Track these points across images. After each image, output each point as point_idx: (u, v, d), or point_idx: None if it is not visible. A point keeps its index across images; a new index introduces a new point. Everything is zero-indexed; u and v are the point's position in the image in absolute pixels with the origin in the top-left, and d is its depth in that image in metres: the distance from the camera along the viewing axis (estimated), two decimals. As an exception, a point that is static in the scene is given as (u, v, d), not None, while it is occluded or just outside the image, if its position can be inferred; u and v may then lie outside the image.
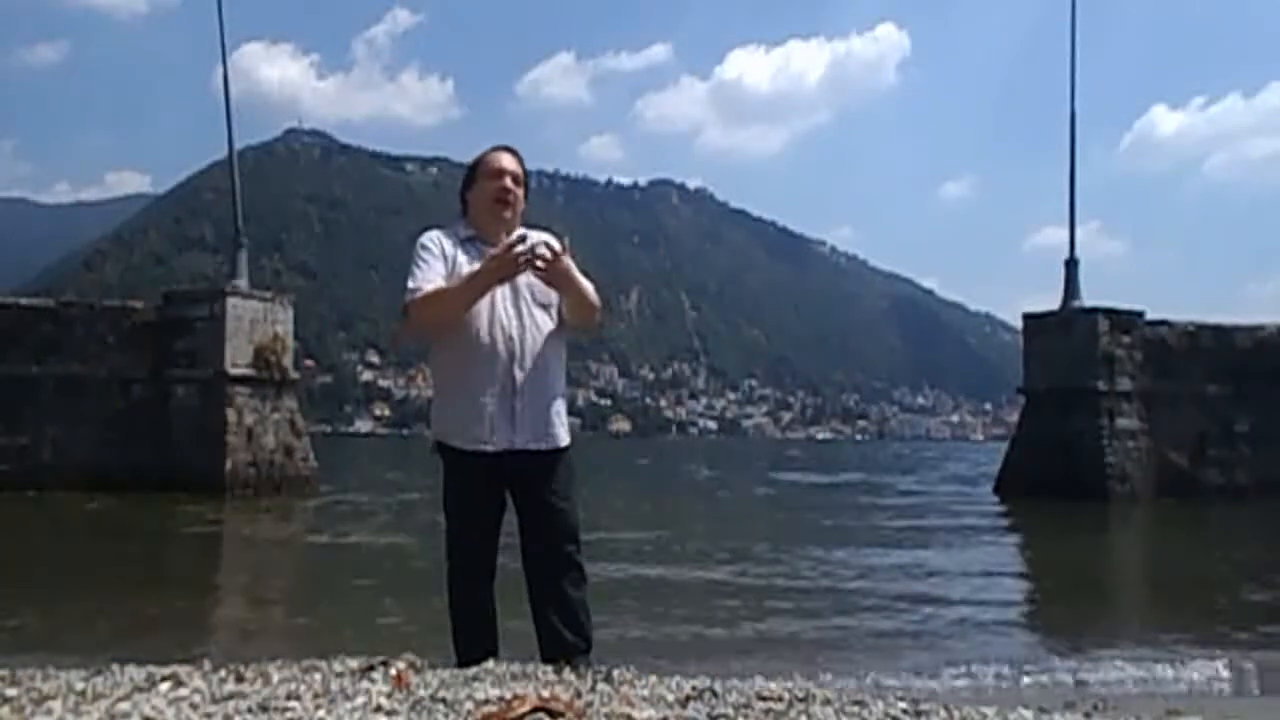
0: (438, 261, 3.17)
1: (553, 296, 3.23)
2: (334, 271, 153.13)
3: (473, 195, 3.27)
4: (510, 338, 3.12)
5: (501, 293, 3.14)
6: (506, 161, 3.26)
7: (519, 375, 3.12)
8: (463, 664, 2.99)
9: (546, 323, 3.21)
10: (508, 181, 3.22)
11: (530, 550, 3.18)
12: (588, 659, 3.02)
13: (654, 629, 5.96)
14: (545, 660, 2.98)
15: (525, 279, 3.17)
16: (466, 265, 3.16)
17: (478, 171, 3.28)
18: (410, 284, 3.13)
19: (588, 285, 3.20)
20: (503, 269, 3.03)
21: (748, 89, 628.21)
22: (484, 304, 3.12)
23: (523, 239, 3.04)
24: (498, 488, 3.16)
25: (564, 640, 3.07)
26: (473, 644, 3.11)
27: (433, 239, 3.24)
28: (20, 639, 5.41)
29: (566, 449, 3.25)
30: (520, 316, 3.15)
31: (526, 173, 3.32)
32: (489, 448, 3.11)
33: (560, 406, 3.24)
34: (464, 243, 3.24)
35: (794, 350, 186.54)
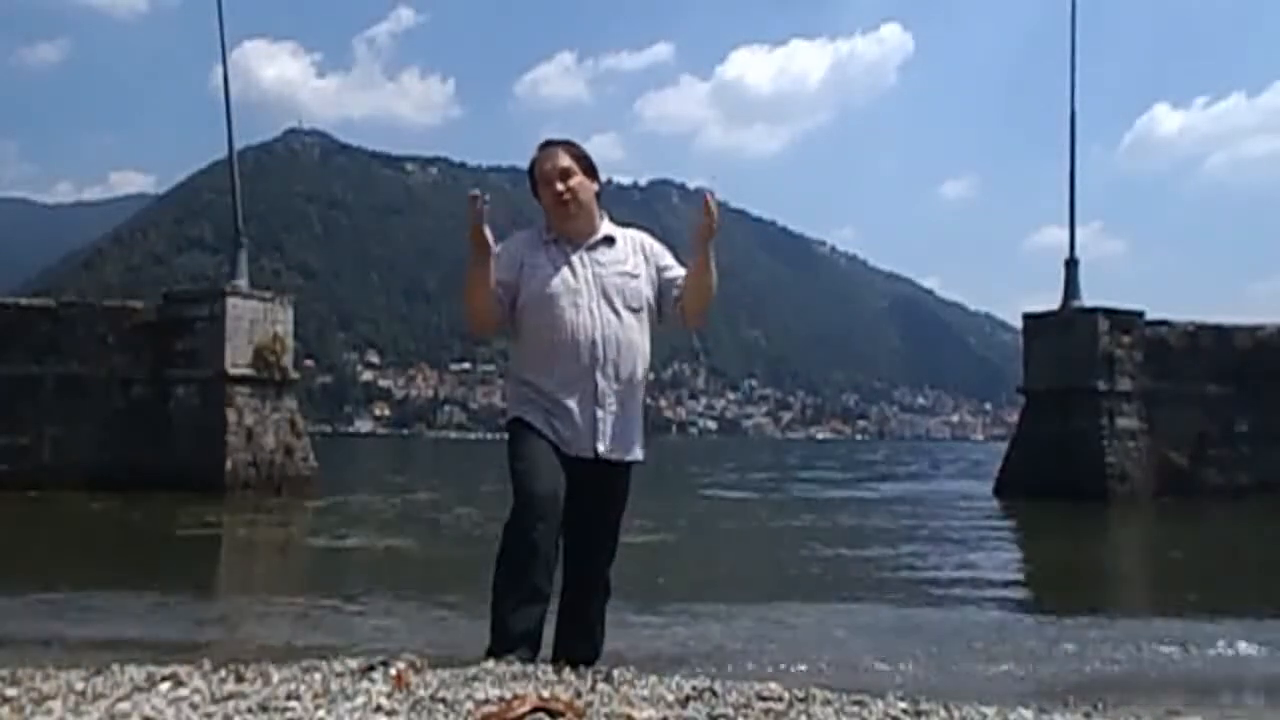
0: (502, 272, 3.11)
1: (644, 299, 3.16)
2: (334, 271, 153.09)
3: (541, 202, 3.21)
4: (593, 342, 3.03)
5: (588, 293, 3.07)
6: (548, 164, 3.17)
7: (601, 382, 3.04)
8: (500, 636, 2.93)
9: (634, 327, 3.12)
10: (558, 186, 3.14)
11: (568, 560, 3.13)
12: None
13: (654, 629, 5.96)
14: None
15: (616, 282, 3.11)
16: (549, 269, 3.11)
17: (534, 180, 3.23)
18: None
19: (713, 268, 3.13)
20: (474, 245, 3.00)
21: (749, 89, 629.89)
22: (568, 304, 3.05)
23: (475, 199, 3.00)
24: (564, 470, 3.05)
25: (574, 651, 3.06)
26: (520, 603, 2.91)
27: (505, 247, 3.19)
28: (21, 639, 5.41)
29: (635, 463, 3.18)
30: (605, 319, 3.06)
31: (581, 154, 3.21)
32: (567, 450, 3.04)
33: (641, 416, 3.15)
34: (549, 244, 3.17)
35: (794, 350, 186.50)
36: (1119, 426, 19.65)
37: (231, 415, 17.94)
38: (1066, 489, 18.42)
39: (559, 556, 3.07)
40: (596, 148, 3.29)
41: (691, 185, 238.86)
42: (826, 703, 2.43)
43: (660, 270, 3.25)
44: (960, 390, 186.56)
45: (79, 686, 2.43)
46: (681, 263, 3.31)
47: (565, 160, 3.17)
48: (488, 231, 3.02)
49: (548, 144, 3.23)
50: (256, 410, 18.46)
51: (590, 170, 3.21)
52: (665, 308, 3.24)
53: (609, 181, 3.41)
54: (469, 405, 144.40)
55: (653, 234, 3.38)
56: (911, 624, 6.59)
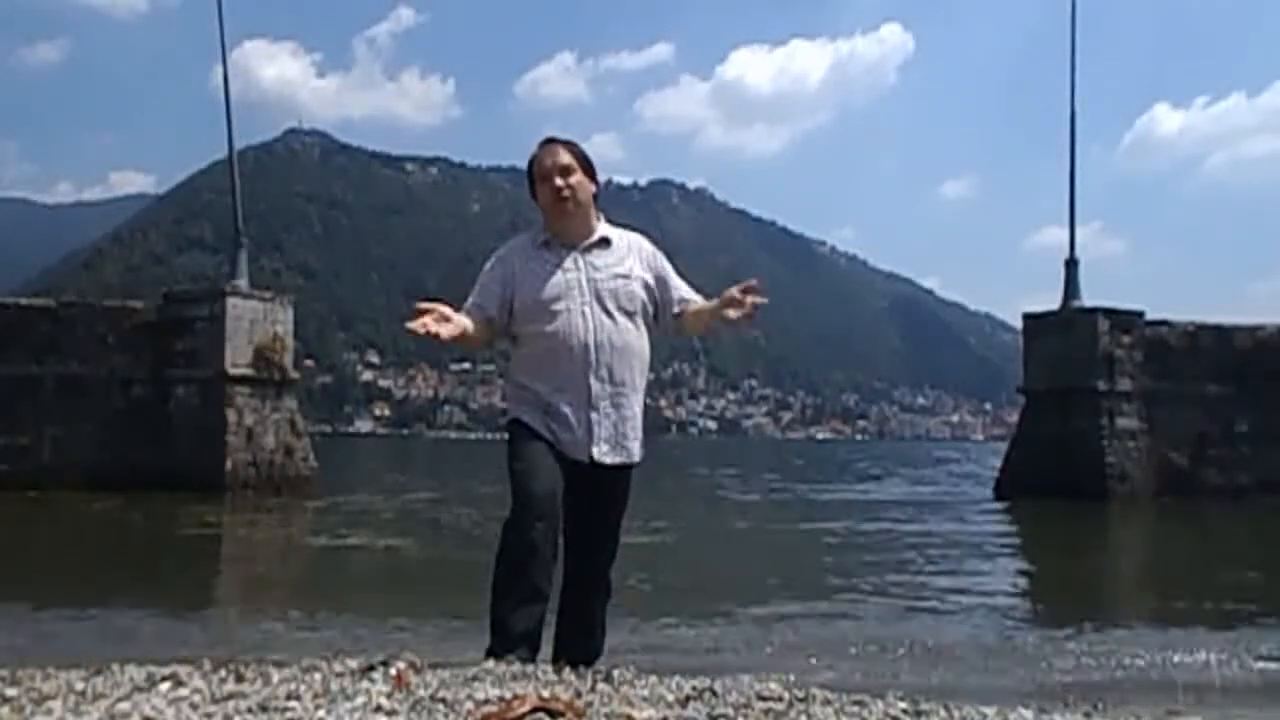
0: (490, 287, 3.14)
1: (639, 302, 3.16)
2: (334, 271, 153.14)
3: (538, 202, 3.20)
4: (586, 345, 3.03)
5: (581, 298, 3.07)
6: (548, 160, 3.16)
7: (595, 386, 3.04)
8: (499, 636, 2.93)
9: (630, 329, 3.11)
10: (557, 181, 3.13)
11: (569, 560, 3.14)
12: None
13: (654, 629, 5.96)
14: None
15: (610, 285, 3.11)
16: (542, 273, 3.10)
17: (533, 177, 3.21)
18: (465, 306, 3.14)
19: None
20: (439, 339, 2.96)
21: (749, 89, 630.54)
22: (561, 307, 3.05)
23: (433, 325, 2.94)
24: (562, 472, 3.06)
25: (574, 651, 3.06)
26: (520, 603, 2.92)
27: (497, 259, 3.19)
28: (20, 639, 5.41)
29: (635, 464, 3.19)
30: (599, 323, 3.06)
31: (581, 154, 3.20)
32: (565, 453, 3.05)
33: (639, 418, 3.14)
34: (542, 247, 3.17)
35: (794, 350, 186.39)
36: (1119, 426, 19.65)
37: (231, 415, 17.94)
38: (1066, 489, 18.41)
39: (558, 556, 3.07)
40: (596, 148, 3.31)
41: (692, 185, 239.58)
42: (826, 703, 2.42)
43: (660, 279, 3.25)
44: (960, 390, 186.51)
45: (79, 686, 2.43)
46: (680, 271, 3.34)
47: (566, 158, 3.16)
48: (447, 330, 2.97)
49: (549, 141, 3.23)
50: (256, 410, 18.46)
51: (590, 171, 3.20)
52: (661, 316, 3.24)
53: (609, 182, 3.41)
54: (469, 405, 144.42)
55: (651, 237, 3.38)
56: (912, 625, 6.59)
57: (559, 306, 3.06)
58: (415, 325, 2.93)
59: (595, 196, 3.22)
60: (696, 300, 3.27)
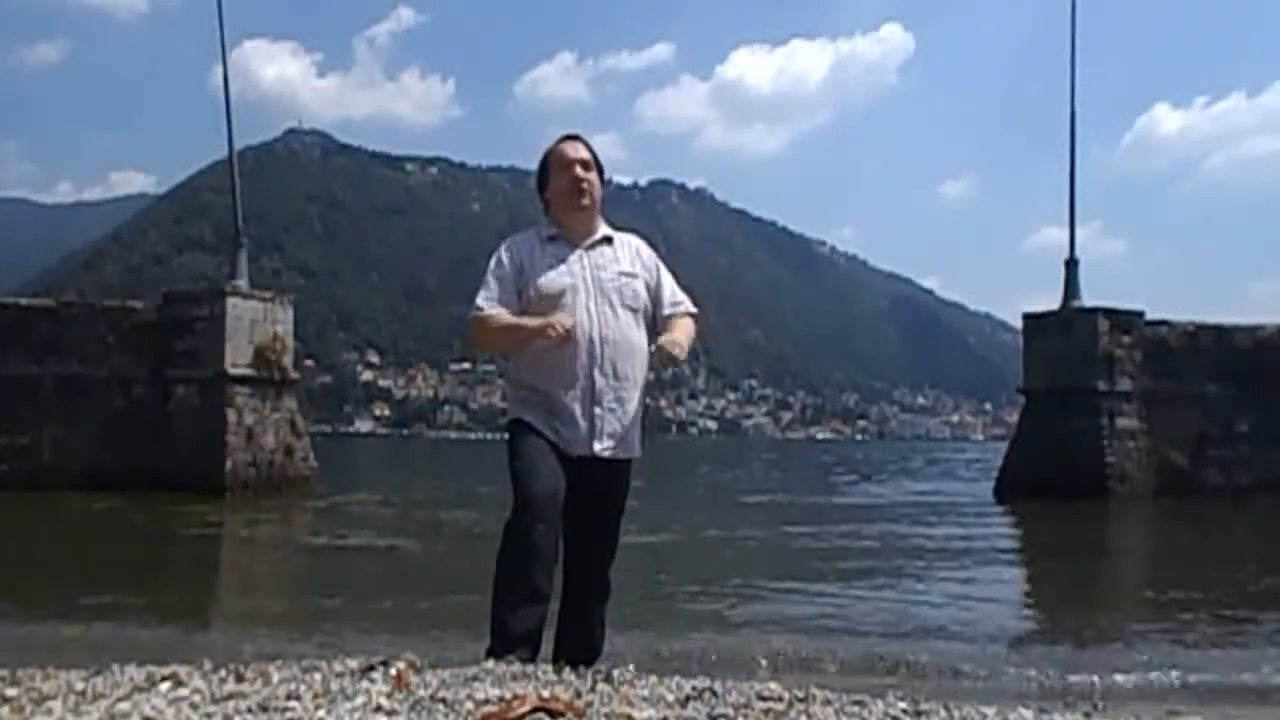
0: (507, 280, 3.14)
1: (641, 300, 3.19)
2: (334, 271, 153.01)
3: (550, 192, 3.24)
4: (591, 340, 3.06)
5: (586, 293, 3.10)
6: (571, 150, 3.23)
7: (599, 380, 3.06)
8: (500, 636, 2.93)
9: (632, 325, 3.15)
10: (578, 170, 3.19)
11: (568, 560, 3.15)
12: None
13: (654, 630, 5.96)
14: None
15: (614, 282, 3.15)
16: (548, 267, 3.13)
17: (549, 167, 3.25)
18: (476, 300, 3.14)
19: (688, 340, 3.17)
20: (543, 336, 2.99)
21: (749, 89, 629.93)
22: (566, 302, 3.08)
23: (564, 328, 2.99)
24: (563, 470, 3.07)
25: (574, 651, 3.07)
26: (520, 603, 2.92)
27: (507, 252, 3.20)
28: (20, 639, 5.41)
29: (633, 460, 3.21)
30: (603, 318, 3.09)
31: (596, 155, 3.27)
32: (567, 450, 3.06)
33: (639, 414, 3.16)
34: (547, 242, 3.19)
35: (794, 350, 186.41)
36: (1119, 426, 19.64)
37: (231, 415, 17.94)
38: (1066, 489, 18.40)
39: (559, 557, 3.08)
40: (597, 147, 3.32)
41: (692, 185, 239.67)
42: (826, 703, 2.42)
43: (656, 281, 3.29)
44: (960, 390, 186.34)
45: (79, 686, 2.43)
46: (679, 271, 3.37)
47: (587, 154, 3.25)
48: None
49: (572, 136, 3.31)
50: (256, 410, 18.46)
51: (601, 174, 3.29)
52: (656, 317, 3.28)
53: (609, 182, 3.44)
54: (469, 405, 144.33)
55: (650, 238, 3.42)
56: (912, 625, 6.59)
57: (565, 301, 3.09)
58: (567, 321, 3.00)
59: (602, 200, 3.29)
60: (686, 305, 3.32)
